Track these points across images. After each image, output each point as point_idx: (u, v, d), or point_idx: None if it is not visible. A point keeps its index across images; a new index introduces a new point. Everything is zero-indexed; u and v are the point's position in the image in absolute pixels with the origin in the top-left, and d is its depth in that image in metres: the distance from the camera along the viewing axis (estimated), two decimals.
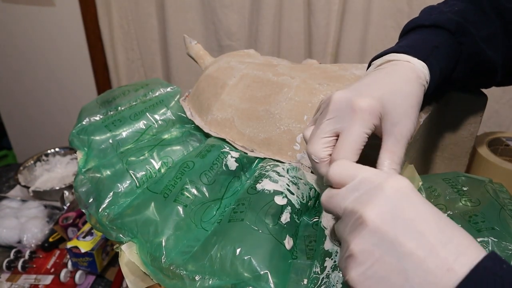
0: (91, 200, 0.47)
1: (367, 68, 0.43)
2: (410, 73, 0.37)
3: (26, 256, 0.81)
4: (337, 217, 0.30)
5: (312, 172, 0.46)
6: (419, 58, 0.38)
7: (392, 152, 0.34)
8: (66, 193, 0.95)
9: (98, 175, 0.48)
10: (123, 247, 0.41)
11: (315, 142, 0.35)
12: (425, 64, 0.38)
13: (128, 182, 0.47)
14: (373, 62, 0.42)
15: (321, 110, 0.37)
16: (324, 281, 0.34)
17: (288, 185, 0.42)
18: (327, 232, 0.38)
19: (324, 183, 0.33)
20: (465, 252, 0.23)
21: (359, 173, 0.29)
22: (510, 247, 0.34)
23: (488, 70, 0.45)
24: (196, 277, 0.35)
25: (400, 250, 0.24)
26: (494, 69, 0.45)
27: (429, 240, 0.24)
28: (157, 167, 0.50)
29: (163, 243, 0.39)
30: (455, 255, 0.23)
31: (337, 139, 0.34)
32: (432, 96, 0.47)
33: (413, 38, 0.42)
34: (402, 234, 0.24)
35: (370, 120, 0.33)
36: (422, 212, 0.25)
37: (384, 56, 0.40)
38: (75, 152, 0.55)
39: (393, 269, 0.24)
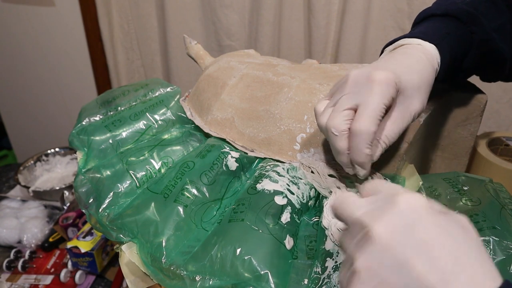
0: (91, 200, 0.47)
1: (380, 55, 0.44)
2: (422, 54, 0.39)
3: (26, 256, 0.81)
4: (344, 223, 0.28)
5: (312, 172, 0.46)
6: (430, 42, 0.40)
7: (395, 124, 0.36)
8: (66, 193, 0.95)
9: (98, 175, 0.48)
10: (123, 247, 0.41)
11: (335, 116, 0.35)
12: (435, 48, 0.40)
13: (128, 182, 0.47)
14: (386, 49, 0.43)
15: (337, 86, 0.38)
16: (325, 281, 0.34)
17: (288, 185, 0.42)
18: (327, 232, 0.38)
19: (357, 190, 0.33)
20: (479, 282, 0.21)
21: (384, 188, 0.28)
22: (511, 246, 0.34)
23: (497, 60, 0.46)
24: (196, 278, 0.35)
25: (408, 273, 0.22)
26: (503, 60, 0.46)
27: (441, 267, 0.22)
28: (157, 167, 0.49)
29: (164, 243, 0.39)
30: (468, 287, 0.21)
31: (355, 112, 0.35)
32: (436, 93, 0.47)
33: (424, 26, 0.43)
34: (413, 256, 0.22)
35: (388, 91, 0.34)
36: (436, 234, 0.23)
37: (398, 41, 0.42)
38: (75, 152, 0.55)
39: None
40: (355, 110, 0.35)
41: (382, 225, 0.24)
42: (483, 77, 0.51)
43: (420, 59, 0.38)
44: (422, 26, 0.44)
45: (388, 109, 0.36)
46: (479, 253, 0.23)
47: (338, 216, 0.29)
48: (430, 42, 0.40)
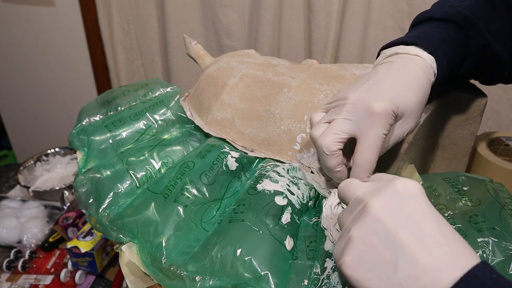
0: (91, 200, 0.47)
1: (377, 57, 0.44)
2: (419, 69, 0.39)
3: (26, 256, 0.81)
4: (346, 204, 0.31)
5: (312, 172, 0.46)
6: (426, 50, 0.40)
7: (385, 147, 0.38)
8: (66, 193, 0.95)
9: (98, 175, 0.48)
10: (123, 247, 0.41)
11: (328, 135, 0.37)
12: (433, 58, 0.40)
13: (128, 182, 0.47)
14: (382, 52, 0.43)
15: (335, 103, 0.38)
16: (324, 282, 0.34)
17: (289, 186, 0.42)
18: (327, 232, 0.38)
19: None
20: (460, 258, 0.23)
21: (384, 175, 0.31)
22: (510, 247, 0.34)
23: (495, 64, 0.46)
24: (196, 278, 0.35)
25: (396, 241, 0.25)
26: (502, 63, 0.45)
27: (426, 238, 0.24)
28: (157, 167, 0.49)
29: (164, 244, 0.39)
30: (448, 258, 0.23)
31: (348, 138, 0.37)
32: (436, 93, 0.47)
33: (421, 30, 0.43)
34: (401, 227, 0.25)
35: (387, 122, 0.35)
36: (427, 213, 0.26)
37: (394, 47, 0.42)
38: (75, 152, 0.55)
39: (385, 258, 0.25)
40: (350, 136, 0.37)
41: (377, 200, 0.27)
42: (482, 81, 0.51)
43: (417, 75, 0.38)
44: (420, 29, 0.44)
45: None
46: (458, 234, 0.26)
47: (342, 198, 0.31)
48: (426, 49, 0.40)
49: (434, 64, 0.40)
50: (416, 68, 0.39)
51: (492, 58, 0.45)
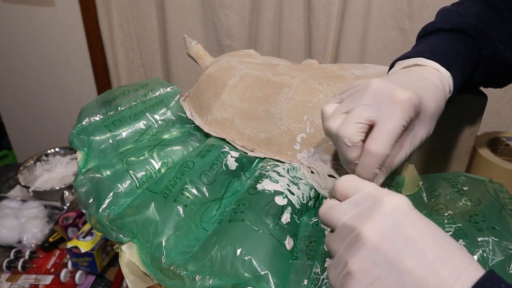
0: (91, 200, 0.47)
1: (389, 69, 0.43)
2: (439, 82, 0.38)
3: (26, 256, 0.81)
4: (331, 230, 0.29)
5: (312, 172, 0.46)
6: (443, 65, 0.39)
7: (403, 150, 0.35)
8: (66, 193, 0.95)
9: (98, 175, 0.48)
10: (123, 247, 0.41)
11: (349, 125, 0.34)
12: (450, 74, 0.39)
13: (128, 182, 0.47)
14: (397, 63, 0.42)
15: (352, 91, 0.36)
16: (324, 281, 0.34)
17: (289, 185, 0.42)
18: (327, 232, 0.38)
19: (328, 194, 0.33)
20: (465, 271, 0.23)
21: (363, 187, 0.28)
22: (510, 247, 0.34)
23: (507, 71, 0.45)
24: (196, 277, 0.35)
25: (399, 268, 0.24)
26: None
27: (429, 259, 0.23)
28: (157, 167, 0.49)
29: (163, 243, 0.39)
30: (455, 275, 0.23)
31: (369, 126, 0.34)
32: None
33: (433, 42, 0.42)
34: (402, 252, 0.24)
35: (409, 112, 0.33)
36: (422, 230, 0.25)
37: (413, 59, 0.40)
38: (75, 152, 0.55)
39: (393, 287, 0.24)
40: (370, 124, 0.34)
41: (370, 227, 0.25)
42: (492, 86, 0.51)
43: (437, 86, 0.37)
44: (430, 42, 0.43)
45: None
46: (456, 243, 0.25)
47: (324, 223, 0.30)
48: (443, 64, 0.39)
49: (451, 81, 0.39)
50: (436, 80, 0.38)
51: (504, 66, 0.44)
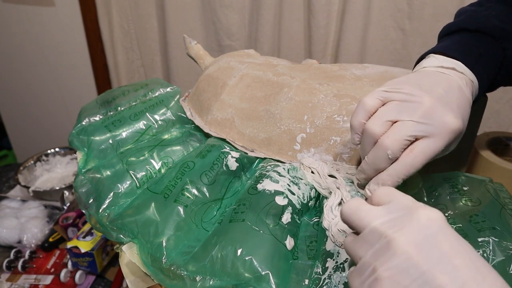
0: (91, 200, 0.47)
1: (420, 59, 0.43)
2: (471, 97, 0.38)
3: (26, 256, 0.81)
4: (355, 231, 0.29)
5: (312, 172, 0.46)
6: (471, 69, 0.39)
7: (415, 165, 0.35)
8: (66, 193, 0.95)
9: (98, 175, 0.48)
10: (124, 247, 0.41)
11: (398, 141, 0.34)
12: (477, 82, 0.39)
13: (128, 182, 0.47)
14: (433, 55, 0.41)
15: (401, 98, 0.36)
16: (326, 281, 0.34)
17: (289, 185, 0.42)
18: (328, 232, 0.38)
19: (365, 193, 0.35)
20: None
21: (399, 197, 0.28)
22: (511, 247, 0.34)
23: None
24: (197, 278, 0.35)
25: (431, 282, 0.23)
26: None
27: (462, 277, 0.23)
28: (157, 167, 0.49)
29: (164, 244, 0.39)
30: None
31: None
32: None
33: (459, 42, 0.42)
34: (435, 266, 0.23)
35: (453, 138, 0.35)
36: (457, 247, 0.24)
37: (449, 60, 0.40)
38: (75, 152, 0.55)
39: None
40: (416, 138, 0.35)
41: (404, 237, 0.25)
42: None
43: (470, 102, 0.38)
44: (455, 41, 0.43)
45: None
46: (488, 265, 0.24)
47: (349, 223, 0.29)
48: (470, 67, 0.39)
49: (477, 90, 0.40)
50: (469, 95, 0.38)
51: None
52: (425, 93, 0.35)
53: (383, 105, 0.37)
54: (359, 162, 0.46)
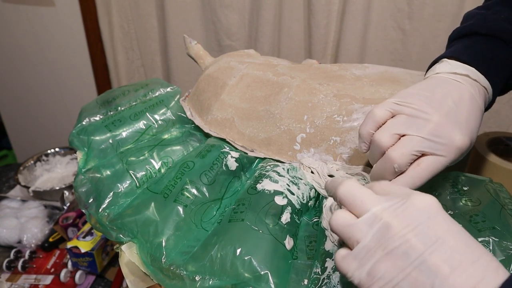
0: (91, 200, 0.47)
1: (433, 63, 0.43)
2: (483, 105, 0.38)
3: (26, 256, 0.81)
4: (353, 212, 0.29)
5: (312, 172, 0.46)
6: (485, 76, 0.39)
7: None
8: (66, 193, 0.95)
9: (98, 175, 0.48)
10: (123, 247, 0.41)
11: (405, 155, 0.35)
12: (491, 87, 0.39)
13: (128, 182, 0.47)
14: (446, 60, 0.41)
15: (411, 113, 0.36)
16: (325, 281, 0.34)
17: (289, 185, 0.42)
18: (327, 232, 0.38)
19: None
20: (493, 273, 0.23)
21: (394, 188, 0.29)
22: (511, 247, 0.34)
23: None
24: (196, 278, 0.35)
25: (429, 264, 0.24)
26: None
27: (457, 257, 0.24)
28: (157, 167, 0.49)
29: (163, 243, 0.39)
30: (482, 274, 0.23)
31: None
32: None
33: (471, 47, 0.42)
34: (433, 249, 0.24)
35: (456, 156, 0.35)
36: (453, 230, 0.25)
37: (464, 66, 0.40)
38: (75, 152, 0.55)
39: (421, 282, 0.24)
40: (422, 154, 0.35)
41: (403, 221, 0.26)
42: None
43: (482, 111, 0.38)
44: (466, 45, 0.42)
45: None
46: (482, 247, 0.25)
47: (345, 205, 0.29)
48: (486, 75, 0.39)
49: (491, 96, 0.40)
50: (482, 103, 0.38)
51: None
52: (434, 109, 0.35)
53: (392, 117, 0.37)
54: (359, 162, 0.46)
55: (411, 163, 0.35)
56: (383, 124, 0.37)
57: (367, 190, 0.29)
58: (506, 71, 0.42)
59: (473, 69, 0.39)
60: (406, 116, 0.36)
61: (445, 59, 0.41)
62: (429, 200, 0.27)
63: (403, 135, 0.35)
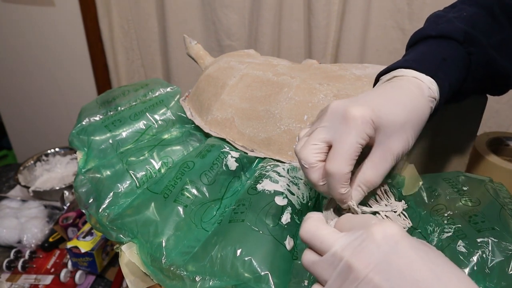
0: (91, 200, 0.47)
1: (374, 84, 0.42)
2: (415, 89, 0.36)
3: (26, 256, 0.81)
4: (316, 252, 0.28)
5: None
6: (427, 74, 0.37)
7: (375, 167, 0.34)
8: (66, 193, 0.95)
9: (98, 175, 0.48)
10: (123, 247, 0.41)
11: (305, 148, 0.34)
12: (433, 80, 0.37)
13: (128, 182, 0.47)
14: (380, 78, 0.40)
15: (319, 114, 0.36)
16: None
17: (289, 186, 0.42)
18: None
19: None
20: None
21: (355, 220, 0.28)
22: (510, 248, 0.34)
23: (500, 78, 0.43)
24: (196, 278, 0.35)
25: None
26: (507, 76, 0.43)
27: None
28: (157, 167, 0.49)
29: (163, 244, 0.39)
30: None
31: (328, 147, 0.34)
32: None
33: (420, 51, 0.41)
34: (396, 285, 0.24)
35: (363, 129, 0.32)
36: (416, 261, 0.24)
37: (391, 72, 0.39)
38: (75, 152, 0.55)
39: None
40: (329, 145, 0.33)
41: (362, 260, 0.25)
42: (489, 93, 0.49)
43: (411, 92, 0.35)
44: (417, 50, 0.41)
45: (369, 148, 0.34)
46: (453, 268, 0.25)
47: (309, 243, 0.29)
48: (426, 73, 0.37)
49: (434, 87, 0.37)
50: (411, 87, 0.36)
51: (496, 73, 0.42)
52: (332, 102, 0.34)
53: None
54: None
55: (323, 156, 0.33)
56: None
57: (326, 228, 0.28)
58: (459, 71, 0.40)
59: (399, 69, 0.38)
60: (316, 119, 0.36)
61: (383, 76, 0.40)
62: (388, 231, 0.25)
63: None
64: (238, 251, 0.35)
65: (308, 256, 0.28)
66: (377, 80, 0.42)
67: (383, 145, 0.34)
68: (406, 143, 0.35)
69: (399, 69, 0.38)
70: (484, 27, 0.41)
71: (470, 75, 0.42)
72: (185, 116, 0.59)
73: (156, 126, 0.57)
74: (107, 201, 0.46)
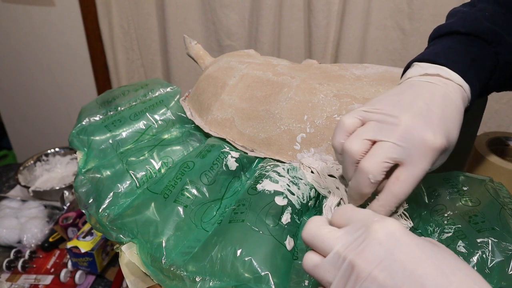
0: (91, 200, 0.47)
1: (406, 69, 0.41)
2: (461, 104, 0.36)
3: (26, 256, 0.81)
4: (319, 253, 0.28)
5: (312, 172, 0.46)
6: (460, 75, 0.37)
7: (409, 185, 0.33)
8: (66, 193, 0.95)
9: (98, 175, 0.48)
10: (123, 247, 0.41)
11: (377, 163, 0.33)
12: (469, 88, 0.37)
13: (128, 182, 0.47)
14: (417, 64, 0.40)
15: (379, 118, 0.34)
16: None
17: (289, 186, 0.42)
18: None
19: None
20: None
21: (355, 215, 0.28)
22: (510, 248, 0.34)
23: None
24: (196, 278, 0.35)
25: None
26: None
27: (429, 284, 0.23)
28: (157, 167, 0.49)
29: (164, 244, 0.39)
30: None
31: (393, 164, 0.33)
32: None
33: (449, 47, 0.40)
34: (400, 281, 0.23)
35: (436, 157, 0.33)
36: (418, 256, 0.24)
37: (434, 66, 0.38)
38: (75, 152, 0.55)
39: None
40: (396, 163, 0.33)
41: (365, 259, 0.25)
42: (507, 89, 0.48)
43: (460, 110, 0.36)
44: (445, 45, 0.41)
45: None
46: (458, 262, 0.24)
47: (310, 244, 0.29)
48: (461, 74, 0.37)
49: (469, 94, 0.38)
50: (459, 101, 0.36)
51: None
52: (403, 111, 0.34)
53: (362, 125, 0.36)
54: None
55: (387, 172, 0.33)
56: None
57: (327, 228, 0.28)
58: (486, 72, 0.40)
59: (445, 68, 0.38)
60: (376, 122, 0.34)
61: (416, 63, 0.40)
62: (389, 227, 0.25)
63: (375, 142, 0.34)
64: (238, 251, 0.35)
65: (309, 259, 0.28)
66: (408, 66, 0.41)
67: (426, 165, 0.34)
68: (445, 158, 0.36)
69: (446, 69, 0.38)
70: (506, 25, 0.41)
71: (496, 74, 0.42)
72: (185, 116, 0.59)
73: (156, 126, 0.57)
74: (107, 201, 0.46)
